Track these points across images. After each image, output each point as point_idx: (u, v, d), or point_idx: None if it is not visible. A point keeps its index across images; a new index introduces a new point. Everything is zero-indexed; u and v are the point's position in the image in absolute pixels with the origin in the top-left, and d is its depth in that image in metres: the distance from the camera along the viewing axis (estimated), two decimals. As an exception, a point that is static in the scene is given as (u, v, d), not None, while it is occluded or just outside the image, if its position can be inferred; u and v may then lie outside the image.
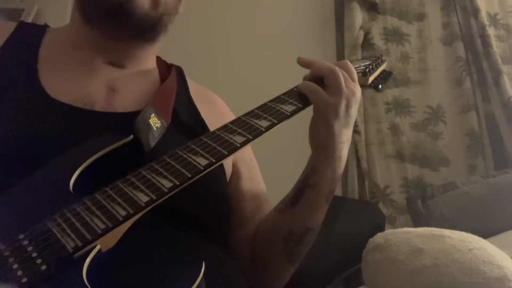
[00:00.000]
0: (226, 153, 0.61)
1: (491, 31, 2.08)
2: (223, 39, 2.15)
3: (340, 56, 2.20)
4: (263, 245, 0.80)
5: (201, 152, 0.60)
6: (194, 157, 0.59)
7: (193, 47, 2.08)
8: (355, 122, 2.03)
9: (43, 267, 0.47)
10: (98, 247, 0.50)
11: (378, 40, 2.21)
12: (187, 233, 0.66)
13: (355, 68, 0.79)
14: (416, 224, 1.63)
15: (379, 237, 0.90)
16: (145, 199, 0.54)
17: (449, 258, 0.78)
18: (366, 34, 2.20)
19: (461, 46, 2.14)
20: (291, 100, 0.71)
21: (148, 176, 0.57)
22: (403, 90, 2.15)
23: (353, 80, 0.74)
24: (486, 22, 2.09)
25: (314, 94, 0.72)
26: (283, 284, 0.83)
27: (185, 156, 0.60)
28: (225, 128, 0.65)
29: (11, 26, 0.79)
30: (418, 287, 0.77)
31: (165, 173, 0.57)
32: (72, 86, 0.72)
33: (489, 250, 0.80)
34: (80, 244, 0.49)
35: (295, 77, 0.80)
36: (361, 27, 2.18)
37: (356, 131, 2.04)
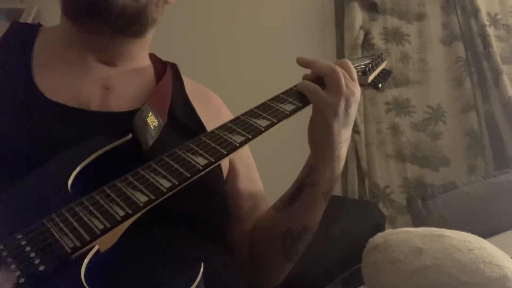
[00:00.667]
0: (225, 152, 0.61)
1: (491, 31, 2.09)
2: (223, 38, 2.14)
3: (340, 56, 2.19)
4: (261, 243, 0.80)
5: (200, 151, 0.60)
6: (193, 157, 0.59)
7: (193, 47, 2.07)
8: (355, 122, 2.03)
9: (41, 267, 0.46)
10: (96, 247, 0.49)
11: (378, 40, 2.21)
12: (185, 232, 0.66)
13: (355, 67, 0.79)
14: (416, 224, 1.62)
15: (379, 237, 0.89)
16: (143, 199, 0.53)
17: (449, 258, 0.78)
18: (366, 34, 2.20)
19: (461, 46, 2.14)
20: (290, 99, 0.71)
21: (147, 175, 0.56)
22: (403, 90, 2.15)
23: (352, 80, 0.74)
24: (486, 22, 2.09)
25: (313, 94, 0.71)
26: (280, 281, 0.83)
27: (184, 155, 0.59)
28: (224, 127, 0.65)
29: (4, 26, 0.79)
30: (418, 287, 0.77)
31: (163, 173, 0.57)
32: (66, 86, 0.72)
33: (489, 250, 0.80)
34: (78, 244, 0.49)
35: (295, 77, 0.80)
36: (361, 27, 2.18)
37: (356, 131, 2.04)
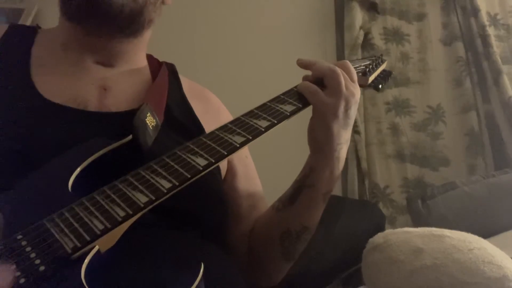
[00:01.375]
0: (225, 153, 0.61)
1: (491, 31, 2.08)
2: (223, 39, 2.14)
3: (340, 56, 2.19)
4: (260, 243, 0.81)
5: (200, 152, 0.60)
6: (193, 157, 0.59)
7: (193, 47, 2.07)
8: (355, 122, 2.03)
9: (42, 268, 0.46)
10: (96, 247, 0.49)
11: (378, 40, 2.21)
12: (185, 232, 0.66)
13: (355, 68, 0.79)
14: (416, 224, 1.62)
15: (379, 237, 0.90)
16: (144, 199, 0.53)
17: (449, 258, 0.78)
18: (366, 34, 2.19)
19: (461, 46, 2.14)
20: (290, 100, 0.71)
21: (147, 176, 0.56)
22: (403, 90, 2.15)
23: (352, 81, 0.74)
24: (486, 22, 2.09)
25: (313, 95, 0.72)
26: (279, 280, 0.83)
27: (184, 156, 0.59)
28: (224, 128, 0.65)
29: (2, 28, 0.79)
30: (418, 287, 0.77)
31: (164, 174, 0.57)
32: (64, 87, 0.72)
33: (489, 250, 0.80)
34: (78, 244, 0.49)
35: (295, 77, 0.80)
36: (361, 27, 2.18)
37: (356, 131, 2.04)
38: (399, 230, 0.91)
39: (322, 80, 0.73)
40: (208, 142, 0.62)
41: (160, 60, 0.90)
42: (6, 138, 0.63)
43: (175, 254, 0.62)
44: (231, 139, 0.63)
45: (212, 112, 0.86)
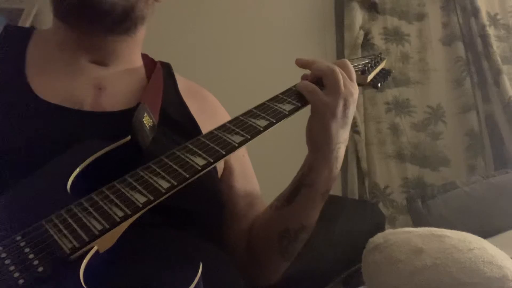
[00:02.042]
0: (224, 153, 0.61)
1: (491, 31, 2.08)
2: (223, 38, 2.14)
3: (340, 56, 2.20)
4: (258, 241, 0.81)
5: (199, 152, 0.60)
6: (191, 157, 0.59)
7: (193, 47, 2.07)
8: (355, 122, 2.03)
9: (40, 269, 0.46)
10: (95, 248, 0.49)
11: (378, 40, 2.21)
12: (183, 232, 0.66)
13: (354, 66, 0.79)
14: (416, 224, 1.63)
15: (379, 237, 0.90)
16: (142, 199, 0.53)
17: (449, 258, 0.78)
18: (366, 34, 2.19)
19: (461, 46, 2.14)
20: (289, 99, 0.71)
21: (146, 176, 0.56)
22: (403, 90, 2.15)
23: (351, 80, 0.74)
24: (486, 22, 2.09)
25: (311, 95, 0.72)
26: (276, 278, 0.83)
27: (182, 156, 0.59)
28: (223, 127, 0.65)
29: None
30: (418, 287, 0.77)
31: (162, 174, 0.57)
32: (60, 87, 0.72)
33: (489, 250, 0.80)
34: (77, 245, 0.48)
35: (295, 77, 0.80)
36: (361, 27, 2.18)
37: (356, 131, 2.04)
38: (399, 230, 0.91)
39: (321, 79, 0.73)
40: (207, 141, 0.62)
41: (160, 60, 0.90)
42: (2, 139, 0.63)
43: (174, 254, 0.62)
44: (229, 138, 0.63)
45: (209, 111, 0.86)
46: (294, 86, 0.75)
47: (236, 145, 0.62)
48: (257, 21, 2.21)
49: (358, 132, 2.05)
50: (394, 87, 2.15)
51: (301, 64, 0.78)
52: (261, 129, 0.65)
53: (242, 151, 0.90)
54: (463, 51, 2.14)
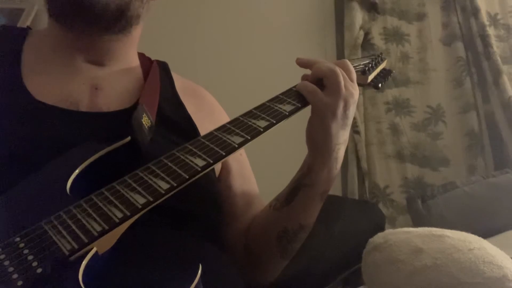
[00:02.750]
0: (223, 154, 0.61)
1: (491, 31, 2.08)
2: (223, 38, 2.14)
3: (340, 56, 2.19)
4: (257, 241, 0.81)
5: (198, 153, 0.60)
6: (191, 158, 0.59)
7: (192, 47, 2.07)
8: (355, 122, 2.03)
9: (39, 270, 0.46)
10: (94, 249, 0.49)
11: (378, 40, 2.20)
12: (182, 232, 0.66)
13: (355, 66, 0.79)
14: (416, 224, 1.63)
15: (379, 237, 0.89)
16: (141, 200, 0.53)
17: (449, 258, 0.78)
18: (366, 34, 2.19)
19: (461, 46, 2.14)
20: (289, 100, 0.71)
21: (145, 177, 0.56)
22: (403, 90, 2.15)
23: (351, 80, 0.74)
24: (486, 22, 2.08)
25: (311, 95, 0.71)
26: (274, 277, 0.83)
27: (182, 157, 0.59)
28: (222, 128, 0.65)
29: None
30: (418, 287, 0.77)
31: (162, 175, 0.56)
32: (56, 87, 0.72)
33: (489, 250, 0.79)
34: (76, 246, 0.48)
35: (295, 77, 0.80)
36: (361, 27, 2.17)
37: (356, 131, 2.04)
38: (399, 230, 0.91)
39: (322, 80, 0.73)
40: (206, 142, 0.62)
41: (160, 59, 0.90)
42: None
43: (173, 255, 0.62)
44: (229, 139, 0.63)
45: (206, 110, 0.86)
46: (294, 86, 0.75)
47: (236, 146, 0.62)
48: (257, 21, 2.21)
49: (358, 132, 2.05)
50: (394, 87, 2.15)
51: (302, 63, 0.77)
52: (261, 129, 0.65)
53: (239, 151, 0.90)
54: (463, 51, 2.13)
